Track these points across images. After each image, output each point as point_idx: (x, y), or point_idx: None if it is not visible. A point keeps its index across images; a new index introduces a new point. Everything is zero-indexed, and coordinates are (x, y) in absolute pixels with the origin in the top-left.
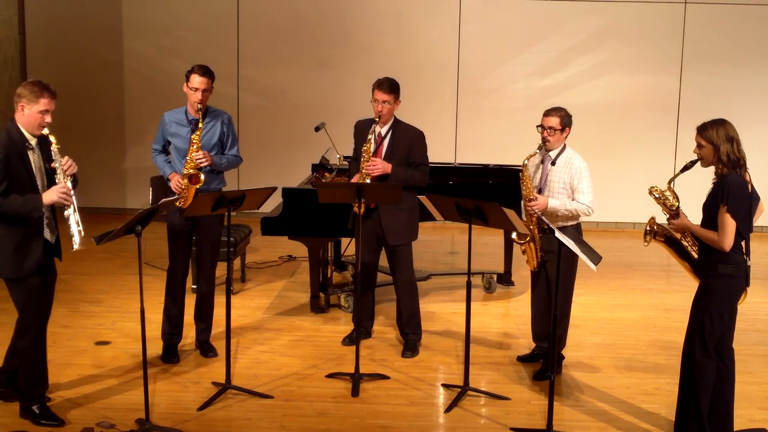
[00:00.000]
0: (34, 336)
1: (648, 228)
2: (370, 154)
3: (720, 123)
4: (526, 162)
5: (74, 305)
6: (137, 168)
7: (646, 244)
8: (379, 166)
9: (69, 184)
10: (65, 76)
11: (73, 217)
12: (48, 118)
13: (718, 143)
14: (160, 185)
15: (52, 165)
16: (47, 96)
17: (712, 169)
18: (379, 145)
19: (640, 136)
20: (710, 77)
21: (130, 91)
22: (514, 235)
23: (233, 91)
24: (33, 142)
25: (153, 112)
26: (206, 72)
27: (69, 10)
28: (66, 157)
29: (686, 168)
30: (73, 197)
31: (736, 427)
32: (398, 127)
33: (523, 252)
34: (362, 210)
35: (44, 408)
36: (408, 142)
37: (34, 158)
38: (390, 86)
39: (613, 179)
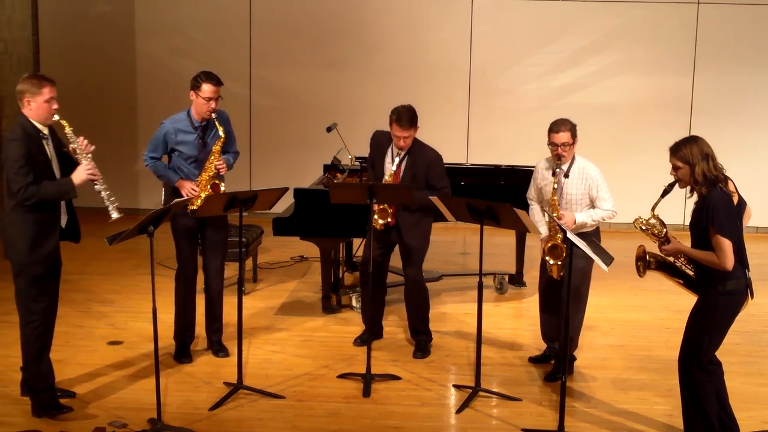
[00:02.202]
0: (38, 325)
1: (639, 262)
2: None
3: (692, 140)
4: (555, 187)
5: (87, 305)
6: None
7: (642, 276)
8: None
9: (91, 162)
10: (78, 77)
11: (103, 192)
12: (55, 105)
13: (693, 162)
14: (173, 186)
15: (70, 147)
16: (48, 84)
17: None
18: (397, 167)
19: (652, 136)
20: (723, 78)
21: (143, 92)
22: (551, 262)
23: (245, 92)
24: (46, 131)
25: (165, 113)
26: (218, 81)
27: (82, 11)
28: (81, 137)
29: (666, 192)
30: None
31: (748, 429)
32: (416, 150)
33: (550, 265)
34: (380, 226)
35: (52, 398)
36: (425, 165)
37: (48, 148)
38: (409, 120)
39: (626, 180)
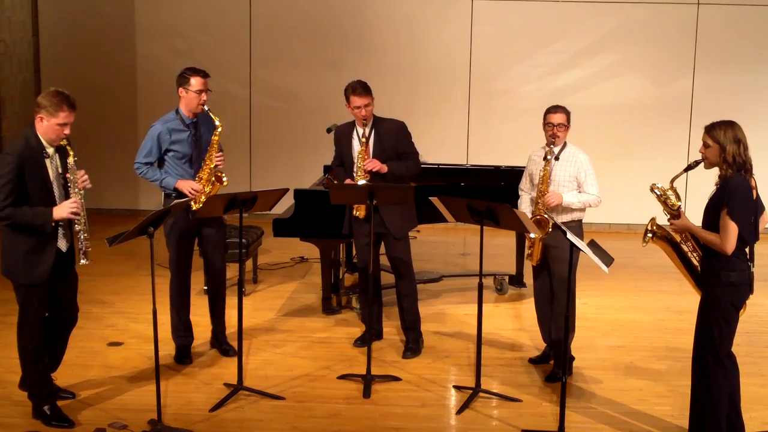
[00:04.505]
0: (32, 338)
1: (648, 228)
2: (364, 156)
3: (729, 124)
4: (547, 157)
5: (87, 306)
6: None
7: (644, 244)
8: (377, 164)
9: (81, 200)
10: (78, 77)
11: (82, 233)
12: (66, 131)
13: (724, 143)
14: (172, 187)
15: (67, 176)
16: (66, 110)
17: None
18: (365, 144)
19: (652, 137)
20: (723, 78)
21: (143, 93)
22: (532, 235)
23: (245, 93)
24: (50, 150)
25: (166, 114)
26: (206, 73)
27: (82, 11)
28: (81, 171)
29: (690, 167)
30: (84, 214)
31: (750, 430)
32: (380, 124)
33: (530, 247)
34: (363, 213)
35: (55, 409)
36: (393, 136)
37: (51, 167)
38: (365, 88)
39: (626, 181)
